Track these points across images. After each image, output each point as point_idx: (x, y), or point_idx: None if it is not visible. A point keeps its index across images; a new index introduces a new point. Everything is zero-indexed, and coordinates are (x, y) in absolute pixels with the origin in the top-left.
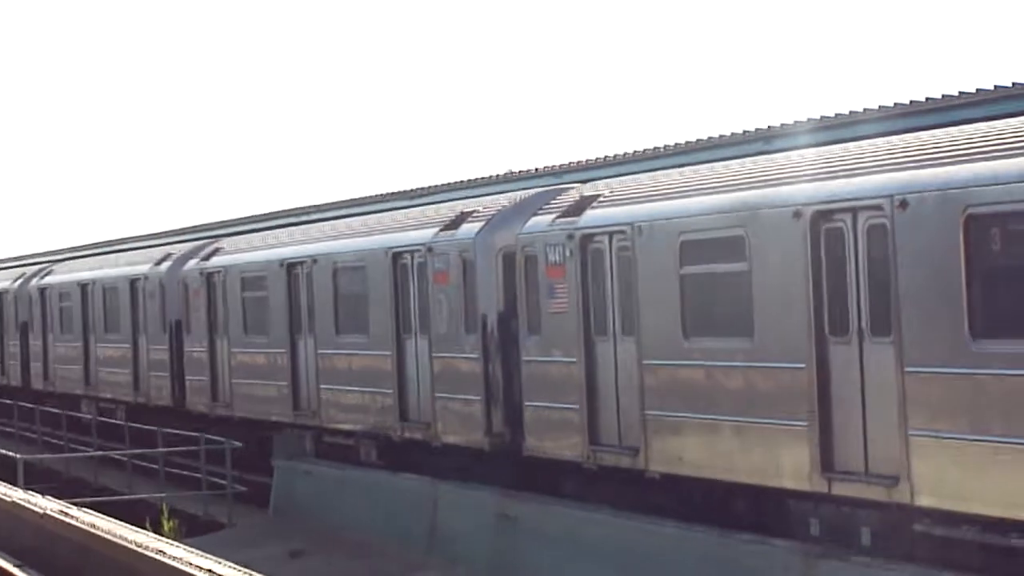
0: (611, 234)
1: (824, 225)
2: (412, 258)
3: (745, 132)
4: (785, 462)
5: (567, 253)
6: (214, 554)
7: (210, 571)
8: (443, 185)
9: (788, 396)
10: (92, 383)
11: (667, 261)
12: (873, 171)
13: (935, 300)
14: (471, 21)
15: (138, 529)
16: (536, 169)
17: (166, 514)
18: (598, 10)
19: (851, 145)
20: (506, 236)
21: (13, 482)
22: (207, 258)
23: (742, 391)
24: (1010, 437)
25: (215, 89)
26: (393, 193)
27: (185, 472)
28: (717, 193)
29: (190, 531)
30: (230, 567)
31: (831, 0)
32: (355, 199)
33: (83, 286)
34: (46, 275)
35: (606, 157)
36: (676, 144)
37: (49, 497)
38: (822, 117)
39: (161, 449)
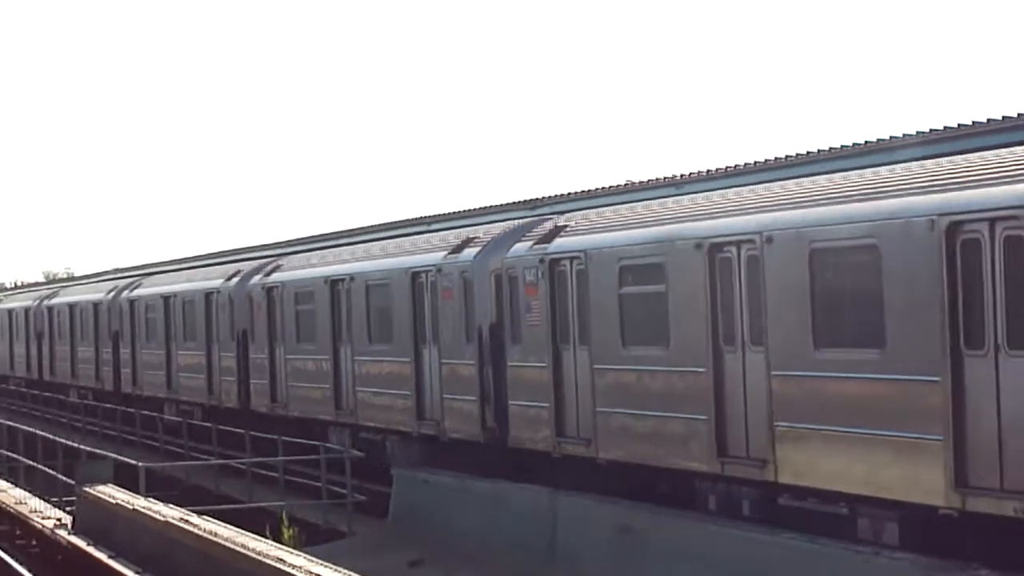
0: (571, 259)
1: (718, 255)
2: (426, 277)
3: (684, 175)
4: (693, 447)
5: (540, 275)
6: (333, 563)
7: None
8: (459, 212)
9: (696, 396)
10: (173, 387)
11: (610, 282)
12: (752, 212)
13: (793, 317)
14: (496, 63)
15: (258, 537)
16: (533, 199)
17: (286, 522)
18: (606, 47)
19: (743, 189)
20: (497, 259)
21: (135, 490)
22: (268, 274)
23: (664, 390)
24: (839, 426)
25: (284, 126)
26: (416, 219)
27: (305, 480)
28: (647, 227)
29: (310, 539)
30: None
31: (778, 49)
32: (385, 224)
33: (166, 299)
34: (135, 288)
35: (592, 189)
36: (640, 181)
37: (171, 505)
38: (725, 167)
39: (282, 457)
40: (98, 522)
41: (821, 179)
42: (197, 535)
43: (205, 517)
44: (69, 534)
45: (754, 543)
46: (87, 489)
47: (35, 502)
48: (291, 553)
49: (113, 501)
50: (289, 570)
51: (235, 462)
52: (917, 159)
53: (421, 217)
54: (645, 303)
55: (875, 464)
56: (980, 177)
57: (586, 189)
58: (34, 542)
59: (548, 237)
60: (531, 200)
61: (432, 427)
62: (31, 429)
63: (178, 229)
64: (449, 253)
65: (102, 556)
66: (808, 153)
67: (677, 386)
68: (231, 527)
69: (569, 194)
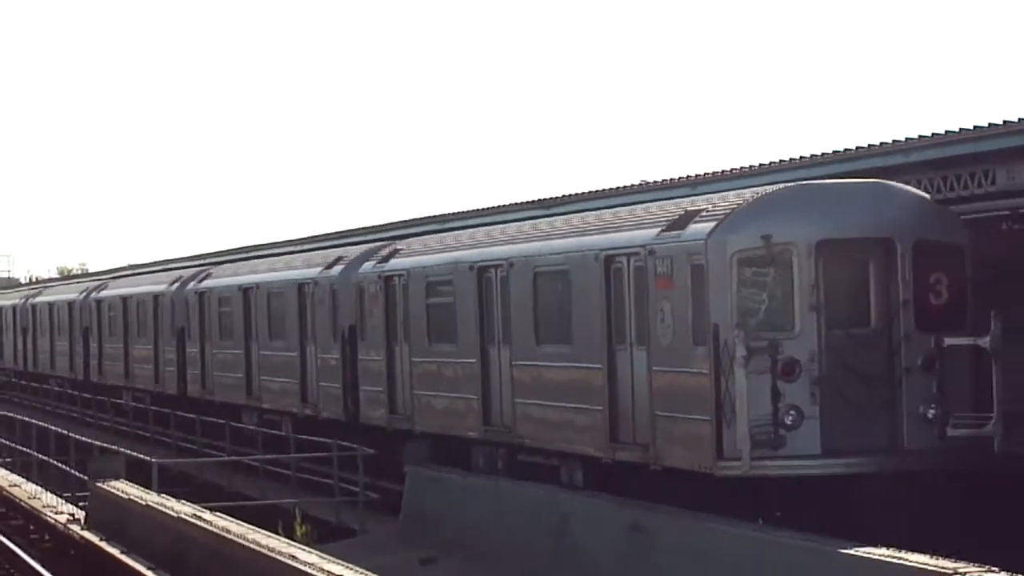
0: (398, 275)
1: (484, 275)
2: (308, 289)
3: (492, 207)
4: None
5: (379, 287)
6: (346, 560)
7: None
8: (344, 231)
9: (469, 381)
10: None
11: (420, 294)
12: (505, 244)
13: (525, 321)
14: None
15: (271, 534)
16: (393, 223)
17: (299, 519)
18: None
19: (509, 225)
20: (356, 274)
21: (148, 486)
22: (385, 260)
23: (452, 376)
24: (551, 401)
25: (362, 103)
26: (308, 237)
27: (317, 478)
28: (443, 253)
29: (322, 537)
30: (360, 573)
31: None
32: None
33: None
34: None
35: (437, 215)
36: (458, 212)
37: (183, 501)
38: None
39: (293, 455)
40: (111, 517)
41: (544, 222)
42: (210, 531)
43: (218, 513)
44: (82, 529)
45: (763, 543)
46: (99, 484)
47: (48, 497)
48: (304, 550)
49: (125, 496)
50: (302, 567)
51: (248, 459)
52: (614, 206)
53: (313, 236)
54: (442, 310)
55: (570, 428)
56: (626, 225)
57: (432, 215)
58: (47, 536)
59: (387, 258)
60: (390, 224)
61: (311, 408)
62: (44, 424)
63: (245, 216)
64: (323, 269)
65: (115, 551)
66: (559, 196)
67: (460, 374)
68: (244, 524)
69: (423, 218)
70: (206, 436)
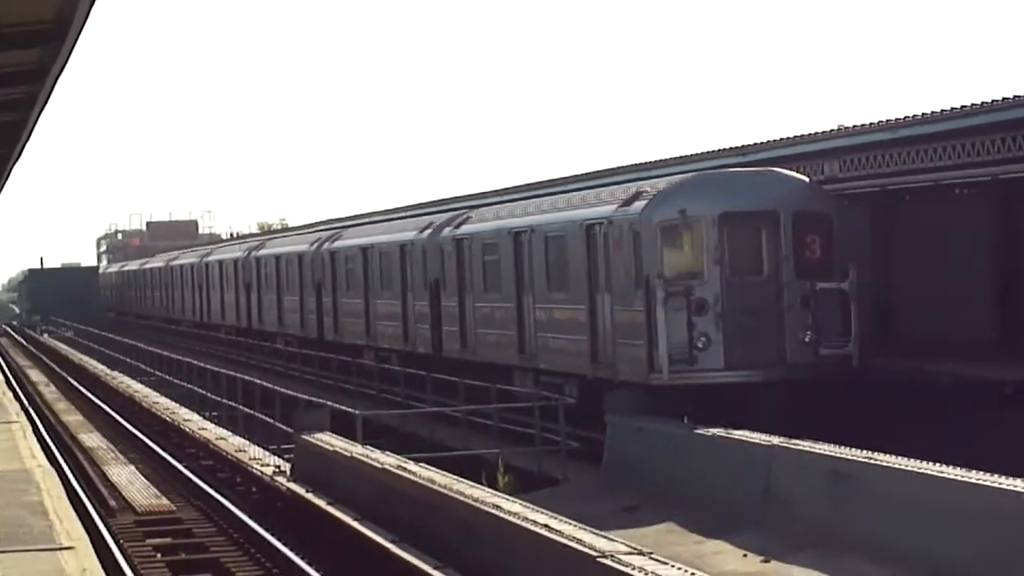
0: (464, 239)
1: (520, 238)
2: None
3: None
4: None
5: (453, 248)
6: (548, 509)
7: (546, 525)
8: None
9: (509, 320)
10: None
11: (479, 253)
12: (532, 215)
13: (541, 275)
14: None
15: (474, 484)
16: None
17: (501, 470)
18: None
19: (601, 190)
20: (438, 238)
21: (352, 437)
22: (458, 226)
23: (502, 318)
24: (557, 334)
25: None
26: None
27: (519, 428)
28: (494, 221)
29: (524, 487)
30: (564, 521)
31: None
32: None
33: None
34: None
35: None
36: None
37: (387, 452)
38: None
39: (495, 405)
40: (316, 469)
41: (554, 199)
42: (414, 482)
43: (422, 464)
44: (288, 481)
45: (967, 488)
46: (305, 437)
47: (255, 450)
48: (507, 500)
49: (331, 448)
50: (506, 516)
51: (450, 410)
52: (602, 185)
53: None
54: (493, 266)
55: (568, 355)
56: (599, 202)
57: (493, 189)
58: (254, 489)
59: (459, 225)
60: (467, 196)
61: (411, 345)
62: (250, 378)
63: (379, 182)
64: (418, 233)
65: (320, 503)
66: (571, 176)
67: (504, 316)
68: (448, 474)
69: (487, 192)
70: (409, 387)
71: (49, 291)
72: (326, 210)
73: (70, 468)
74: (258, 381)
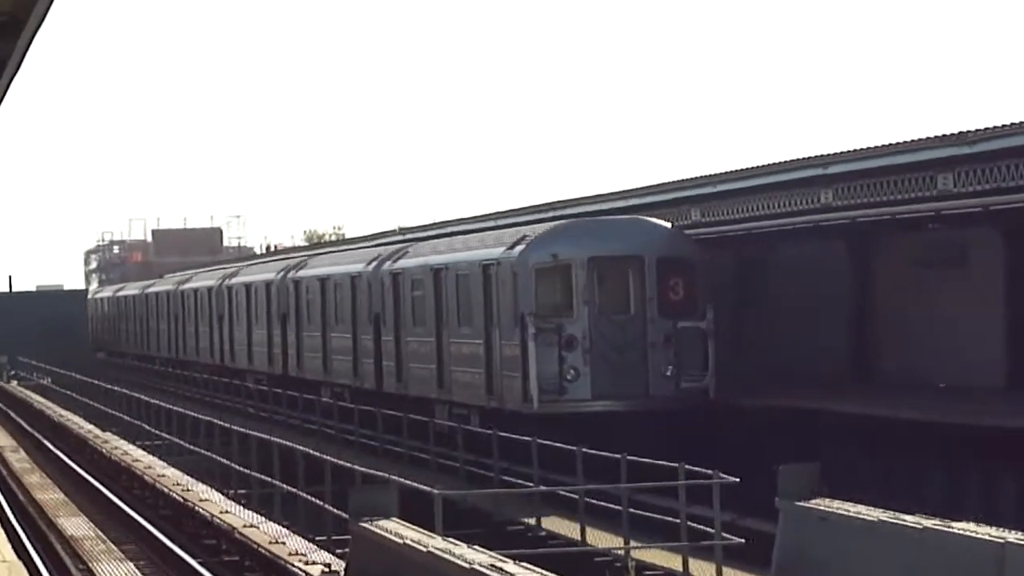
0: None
1: (442, 275)
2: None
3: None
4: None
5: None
6: None
7: None
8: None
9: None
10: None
11: (416, 287)
12: (436, 253)
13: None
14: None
15: None
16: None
17: (631, 570)
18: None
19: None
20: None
21: (424, 523)
22: (396, 260)
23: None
24: (466, 368)
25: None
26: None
27: (654, 515)
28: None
29: None
30: None
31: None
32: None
33: (436, 271)
34: (400, 257)
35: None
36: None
37: (475, 547)
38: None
39: (625, 484)
40: (379, 569)
41: (468, 237)
42: None
43: (524, 564)
44: None
45: None
46: (364, 525)
47: (296, 542)
48: None
49: (400, 541)
50: None
51: (563, 489)
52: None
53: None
54: (418, 301)
55: (472, 387)
56: (495, 243)
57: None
58: None
59: (398, 258)
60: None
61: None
62: (286, 442)
63: (451, 187)
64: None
65: None
66: (505, 211)
67: (427, 351)
68: None
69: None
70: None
71: (19, 323)
72: (387, 218)
73: (45, 564)
74: (300, 447)
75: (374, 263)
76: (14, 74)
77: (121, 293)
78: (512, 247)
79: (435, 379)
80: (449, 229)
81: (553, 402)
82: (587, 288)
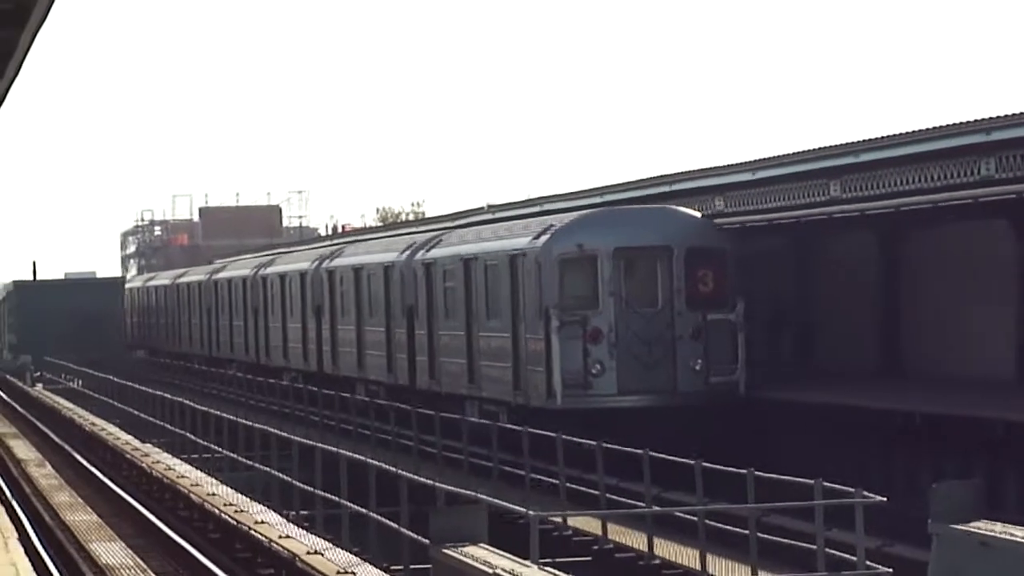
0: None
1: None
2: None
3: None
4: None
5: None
6: None
7: None
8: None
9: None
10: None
11: (440, 279)
12: (466, 243)
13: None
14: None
15: None
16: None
17: None
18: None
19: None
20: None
21: (516, 549)
22: (429, 250)
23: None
24: (494, 362)
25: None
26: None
27: (782, 539)
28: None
29: None
30: None
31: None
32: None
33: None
34: (433, 247)
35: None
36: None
37: None
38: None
39: (754, 505)
40: None
41: (503, 225)
42: None
43: None
44: None
45: None
46: (447, 552)
47: (367, 571)
48: None
49: (490, 572)
50: None
51: (680, 510)
52: (529, 216)
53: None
54: (451, 293)
55: (500, 382)
56: (522, 234)
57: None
58: None
59: (431, 247)
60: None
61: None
62: (360, 457)
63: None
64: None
65: None
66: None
67: (458, 345)
68: None
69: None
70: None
71: (45, 317)
72: (473, 194)
73: None
74: (372, 461)
75: (407, 252)
76: (23, 58)
77: (160, 282)
78: (538, 237)
79: (465, 374)
80: (539, 207)
81: (578, 397)
82: (613, 279)
